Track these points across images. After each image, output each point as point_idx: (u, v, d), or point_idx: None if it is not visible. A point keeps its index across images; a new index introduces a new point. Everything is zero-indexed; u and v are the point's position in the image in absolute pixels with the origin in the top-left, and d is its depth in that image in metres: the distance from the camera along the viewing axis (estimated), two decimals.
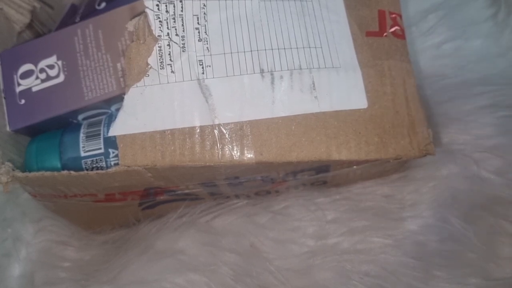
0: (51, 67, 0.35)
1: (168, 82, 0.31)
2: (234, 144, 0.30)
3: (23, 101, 0.35)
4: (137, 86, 0.31)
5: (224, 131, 0.31)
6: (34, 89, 0.35)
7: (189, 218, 0.41)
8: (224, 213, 0.41)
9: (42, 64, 0.35)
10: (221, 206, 0.41)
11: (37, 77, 0.35)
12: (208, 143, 0.30)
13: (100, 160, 0.34)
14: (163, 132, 0.31)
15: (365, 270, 0.39)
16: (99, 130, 0.34)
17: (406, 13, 0.47)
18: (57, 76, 0.34)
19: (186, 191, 0.37)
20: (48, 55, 0.35)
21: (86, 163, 0.34)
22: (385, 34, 0.34)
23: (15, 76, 0.35)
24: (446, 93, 0.44)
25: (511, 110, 0.43)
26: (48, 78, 0.35)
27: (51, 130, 0.36)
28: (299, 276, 0.40)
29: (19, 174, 0.32)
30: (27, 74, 0.35)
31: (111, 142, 0.34)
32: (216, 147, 0.30)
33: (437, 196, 0.41)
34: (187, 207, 0.41)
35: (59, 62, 0.35)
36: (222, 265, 0.39)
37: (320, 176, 0.37)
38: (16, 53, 0.36)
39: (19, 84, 0.35)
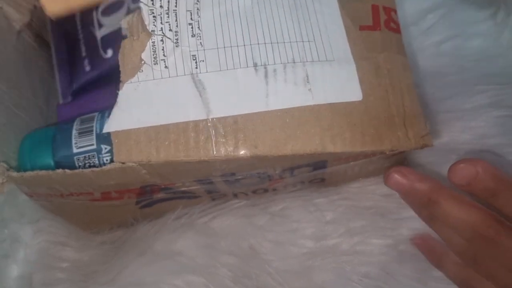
0: None
1: (162, 77, 0.31)
2: (229, 138, 0.30)
3: None
4: (131, 82, 0.31)
5: (219, 125, 0.30)
6: None
7: (188, 219, 0.41)
8: (222, 214, 0.41)
9: None
10: (220, 207, 0.41)
11: None
12: (202, 137, 0.30)
13: (93, 156, 0.34)
14: (157, 127, 0.30)
15: (365, 271, 0.39)
16: (92, 126, 0.34)
17: (405, 12, 0.47)
18: None
19: (183, 188, 0.36)
20: None
21: (78, 159, 0.34)
22: (379, 28, 0.33)
23: None
24: (446, 92, 0.44)
25: (511, 110, 0.42)
26: None
27: None
28: (298, 278, 0.39)
29: (14, 174, 0.33)
30: None
31: (103, 138, 0.34)
32: (210, 141, 0.30)
33: None
34: (186, 208, 0.41)
35: None
36: (221, 266, 0.39)
37: (318, 172, 0.37)
38: None
39: None
